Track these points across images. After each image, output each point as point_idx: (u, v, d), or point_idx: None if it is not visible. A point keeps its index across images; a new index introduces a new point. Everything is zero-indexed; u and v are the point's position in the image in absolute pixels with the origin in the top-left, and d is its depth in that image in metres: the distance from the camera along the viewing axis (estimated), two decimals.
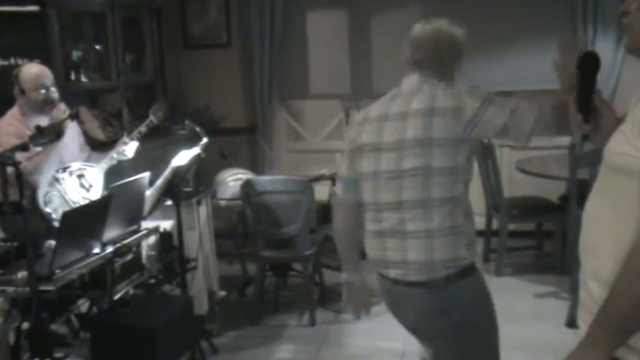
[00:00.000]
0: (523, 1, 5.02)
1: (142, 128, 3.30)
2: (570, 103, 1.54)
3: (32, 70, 3.14)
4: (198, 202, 3.61)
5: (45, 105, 3.12)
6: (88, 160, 3.33)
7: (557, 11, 4.97)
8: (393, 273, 2.05)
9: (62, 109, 3.13)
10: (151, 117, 3.29)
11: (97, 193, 3.23)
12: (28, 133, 2.76)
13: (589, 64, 1.50)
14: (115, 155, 3.30)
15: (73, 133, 3.26)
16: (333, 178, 4.81)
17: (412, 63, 2.12)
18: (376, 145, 2.06)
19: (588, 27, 4.82)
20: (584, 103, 1.51)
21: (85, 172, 3.22)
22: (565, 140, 4.62)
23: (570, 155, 4.04)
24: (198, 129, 3.44)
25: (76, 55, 4.62)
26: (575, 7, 4.87)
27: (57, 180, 3.08)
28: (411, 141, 1.98)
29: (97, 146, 3.54)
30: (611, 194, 1.38)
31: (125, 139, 3.32)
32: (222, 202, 4.26)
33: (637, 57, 1.45)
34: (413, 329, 2.17)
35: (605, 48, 4.72)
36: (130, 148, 3.31)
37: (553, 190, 4.75)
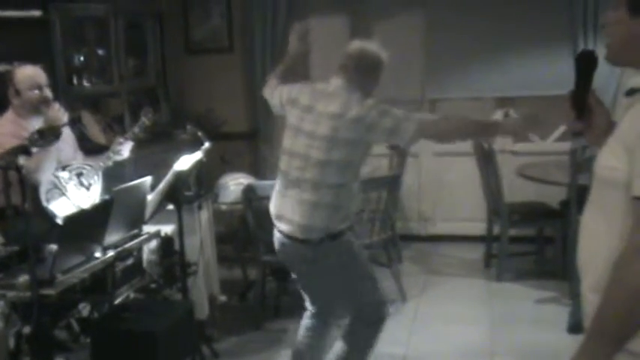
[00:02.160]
0: (524, 9, 5.03)
1: (136, 129, 3.36)
2: (567, 99, 1.56)
3: (26, 71, 3.18)
4: (200, 207, 3.62)
5: (40, 104, 3.15)
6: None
7: (557, 19, 4.99)
8: (284, 227, 2.68)
9: (56, 108, 3.14)
10: (143, 118, 3.34)
11: (96, 192, 3.25)
12: (25, 134, 2.77)
13: (587, 62, 1.52)
14: (111, 155, 3.34)
15: (66, 136, 3.28)
16: None
17: (340, 68, 2.68)
18: (297, 128, 2.64)
19: (588, 35, 4.83)
20: (579, 100, 1.52)
21: (83, 171, 3.25)
22: (566, 146, 4.63)
23: (571, 161, 4.04)
24: (200, 134, 3.45)
25: (78, 59, 4.64)
26: (575, 15, 4.89)
27: (57, 178, 3.11)
28: (320, 136, 2.56)
29: (96, 151, 3.56)
30: (603, 207, 1.41)
31: (120, 139, 3.37)
32: (224, 207, 4.27)
33: (616, 66, 1.48)
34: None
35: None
36: (125, 148, 3.35)
37: (554, 196, 4.75)
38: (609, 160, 1.37)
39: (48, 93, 3.19)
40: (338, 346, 2.89)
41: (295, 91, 2.74)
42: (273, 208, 2.75)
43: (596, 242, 1.42)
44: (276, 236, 2.78)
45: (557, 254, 4.65)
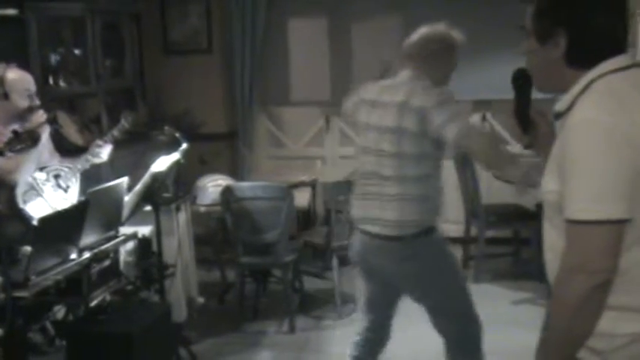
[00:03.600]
0: (501, 12, 5.09)
1: (115, 132, 3.31)
2: (511, 117, 1.65)
3: (19, 76, 3.10)
4: (178, 208, 3.60)
5: (27, 112, 3.08)
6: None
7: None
8: (370, 228, 2.52)
9: (40, 114, 3.10)
10: (123, 121, 3.30)
11: (74, 194, 3.21)
12: (3, 139, 2.73)
13: (522, 79, 1.58)
14: (89, 158, 3.29)
15: (45, 138, 3.24)
16: (313, 185, 4.83)
17: (406, 58, 2.52)
18: (366, 124, 2.53)
19: None
20: (522, 116, 1.61)
21: (61, 173, 3.21)
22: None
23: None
24: (177, 134, 3.43)
25: (54, 59, 4.58)
26: None
27: (34, 179, 3.06)
28: (387, 128, 2.43)
29: (74, 152, 3.52)
30: (553, 225, 1.46)
31: (99, 141, 3.32)
32: (202, 208, 4.25)
33: (543, 93, 1.54)
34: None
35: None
36: (104, 151, 3.31)
37: (530, 198, 4.80)
38: (549, 184, 1.43)
39: (37, 101, 3.12)
40: None
41: (362, 91, 2.64)
42: (355, 212, 2.61)
43: (552, 255, 1.48)
44: (360, 240, 2.60)
45: (533, 255, 4.70)
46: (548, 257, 1.52)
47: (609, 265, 1.31)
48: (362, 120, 2.56)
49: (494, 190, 5.09)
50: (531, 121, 1.61)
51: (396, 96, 2.44)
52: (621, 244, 1.31)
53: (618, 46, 1.42)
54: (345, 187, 4.17)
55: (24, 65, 3.45)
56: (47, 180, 3.15)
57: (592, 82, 1.38)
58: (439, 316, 2.64)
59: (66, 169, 3.24)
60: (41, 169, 3.14)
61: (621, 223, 1.30)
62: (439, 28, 2.55)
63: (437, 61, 2.50)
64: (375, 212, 2.49)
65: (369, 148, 2.51)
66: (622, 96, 1.34)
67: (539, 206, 4.75)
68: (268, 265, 4.17)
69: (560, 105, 1.45)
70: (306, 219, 5.15)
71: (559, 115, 1.46)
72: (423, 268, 2.51)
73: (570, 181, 1.33)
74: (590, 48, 1.40)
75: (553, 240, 1.47)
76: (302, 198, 4.43)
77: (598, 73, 1.39)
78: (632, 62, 1.41)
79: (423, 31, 2.53)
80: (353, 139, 5.70)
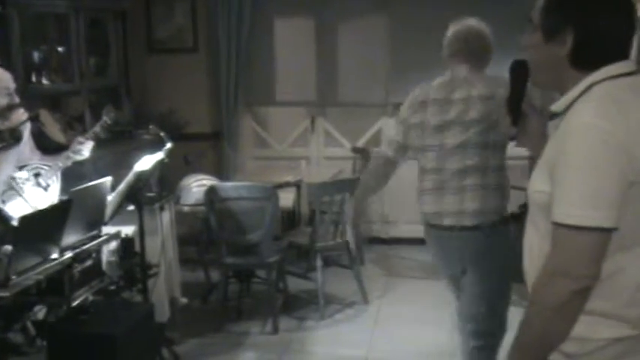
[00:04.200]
0: (487, 12, 5.07)
1: (97, 128, 3.26)
2: (503, 106, 1.65)
3: None
4: (161, 208, 3.58)
5: (6, 111, 3.05)
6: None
7: (518, 22, 5.08)
8: (447, 221, 2.59)
9: (21, 112, 3.06)
10: (105, 117, 3.26)
11: (54, 192, 3.17)
12: None
13: (519, 70, 1.58)
14: (70, 155, 3.24)
15: (26, 136, 3.21)
16: (298, 185, 4.83)
17: (456, 55, 2.62)
18: (440, 122, 2.59)
19: None
20: (514, 107, 1.61)
21: (41, 171, 3.17)
22: (524, 151, 4.70)
23: (530, 165, 4.11)
24: (162, 134, 3.41)
25: (37, 56, 4.53)
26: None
27: (13, 179, 3.03)
28: (472, 121, 2.52)
29: (57, 150, 3.48)
30: (537, 226, 1.46)
31: (80, 138, 3.28)
32: (186, 208, 4.23)
33: (539, 88, 1.57)
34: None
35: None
36: (85, 148, 3.27)
37: (513, 200, 4.82)
38: (537, 184, 1.42)
39: (17, 99, 3.09)
40: None
41: (416, 96, 2.68)
42: (429, 207, 2.65)
43: (531, 259, 1.49)
44: (434, 235, 2.69)
45: (516, 257, 4.73)
46: (526, 260, 1.52)
47: (593, 271, 1.31)
48: (431, 120, 2.60)
49: None
50: (522, 113, 1.61)
51: (475, 90, 2.53)
52: (606, 251, 1.31)
53: (623, 52, 1.41)
54: (330, 187, 4.18)
55: (6, 63, 3.42)
56: (27, 179, 3.11)
57: (592, 85, 1.37)
58: (484, 303, 2.68)
59: (46, 168, 3.20)
60: (21, 167, 3.10)
61: (610, 231, 1.30)
62: (473, 22, 2.71)
63: (487, 54, 2.65)
64: (454, 205, 2.58)
65: (450, 145, 2.56)
66: (622, 103, 1.33)
67: (523, 207, 4.80)
68: (252, 265, 4.16)
69: (557, 105, 1.44)
70: (290, 219, 5.15)
71: (555, 116, 1.45)
72: (496, 262, 2.63)
73: (563, 183, 1.32)
74: (596, 50, 1.39)
75: (533, 242, 1.48)
76: (286, 198, 4.42)
77: (600, 78, 1.37)
78: (635, 69, 1.40)
79: (467, 26, 2.68)
80: (338, 140, 5.71)
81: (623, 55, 1.40)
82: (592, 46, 1.38)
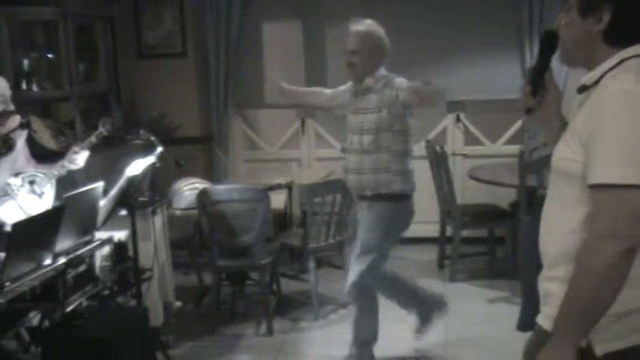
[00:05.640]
0: (473, 15, 5.16)
1: (92, 139, 3.29)
2: (527, 74, 1.68)
3: None
4: (154, 212, 3.58)
5: (1, 117, 3.05)
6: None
7: (505, 26, 5.16)
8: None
9: (17, 119, 3.07)
10: (101, 128, 3.28)
11: (48, 200, 3.18)
12: None
13: (550, 42, 1.60)
14: (66, 164, 3.26)
15: (20, 144, 3.21)
16: (289, 187, 4.84)
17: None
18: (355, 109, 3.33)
19: (534, 41, 4.98)
20: (537, 77, 1.62)
21: (36, 179, 3.17)
22: (515, 149, 4.76)
23: (520, 163, 4.16)
24: (153, 138, 3.42)
25: (27, 63, 4.53)
26: (522, 22, 5.04)
27: (8, 185, 3.03)
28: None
29: (48, 157, 3.48)
30: (560, 197, 1.49)
31: (75, 148, 3.29)
32: (178, 212, 4.23)
33: (571, 67, 1.59)
34: None
35: (552, 61, 4.90)
36: (81, 157, 3.28)
37: (504, 197, 4.88)
38: (565, 152, 1.46)
39: (12, 106, 3.09)
40: None
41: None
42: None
43: (553, 232, 1.50)
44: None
45: (507, 254, 4.77)
46: (543, 235, 1.54)
47: (638, 230, 1.32)
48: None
49: (468, 190, 5.16)
50: (543, 85, 1.62)
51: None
52: None
53: None
54: (321, 188, 4.20)
55: None
56: (22, 186, 3.12)
57: (623, 61, 1.43)
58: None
59: (41, 175, 3.20)
60: (16, 174, 3.11)
61: None
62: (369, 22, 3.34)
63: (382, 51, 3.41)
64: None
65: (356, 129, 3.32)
66: None
67: (514, 206, 4.84)
68: (245, 267, 4.17)
69: (588, 78, 1.48)
70: (282, 221, 5.16)
71: (584, 89, 1.49)
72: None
73: (600, 146, 1.35)
74: (632, 27, 1.44)
75: (555, 214, 1.49)
76: (278, 200, 4.43)
77: (632, 54, 1.43)
78: None
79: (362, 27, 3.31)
80: (328, 141, 5.74)
81: None
82: (628, 23, 1.44)
